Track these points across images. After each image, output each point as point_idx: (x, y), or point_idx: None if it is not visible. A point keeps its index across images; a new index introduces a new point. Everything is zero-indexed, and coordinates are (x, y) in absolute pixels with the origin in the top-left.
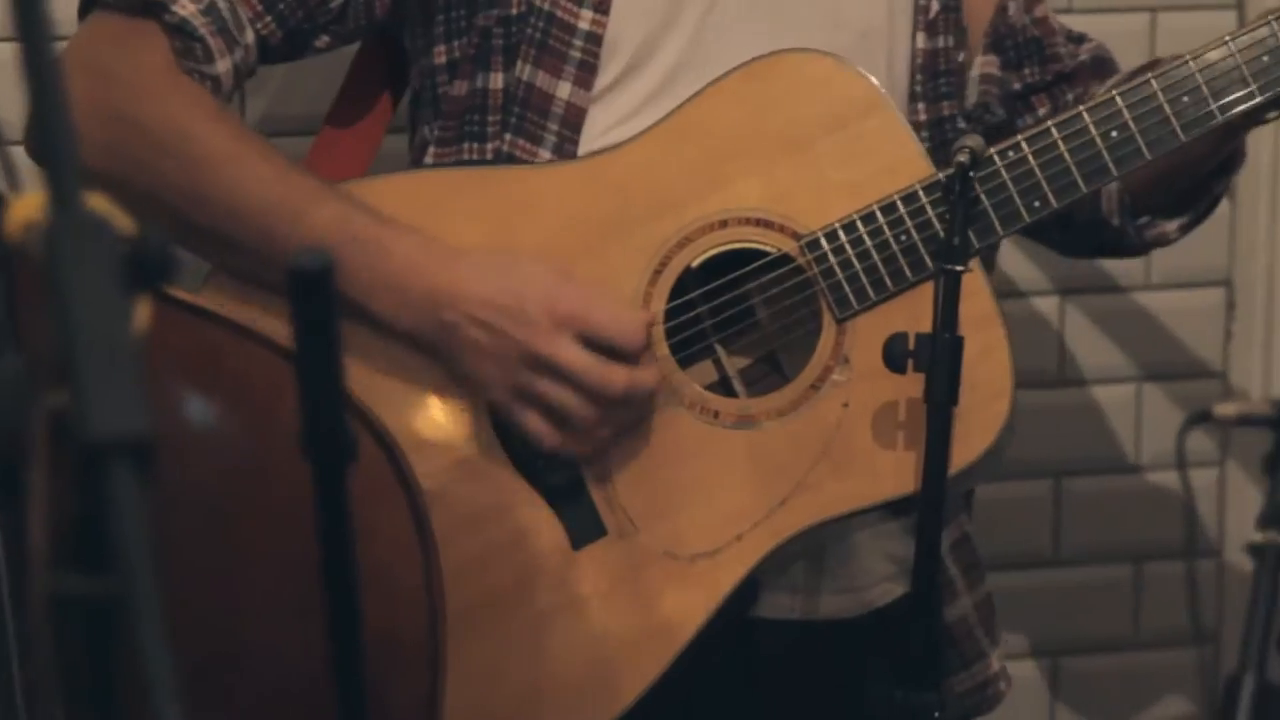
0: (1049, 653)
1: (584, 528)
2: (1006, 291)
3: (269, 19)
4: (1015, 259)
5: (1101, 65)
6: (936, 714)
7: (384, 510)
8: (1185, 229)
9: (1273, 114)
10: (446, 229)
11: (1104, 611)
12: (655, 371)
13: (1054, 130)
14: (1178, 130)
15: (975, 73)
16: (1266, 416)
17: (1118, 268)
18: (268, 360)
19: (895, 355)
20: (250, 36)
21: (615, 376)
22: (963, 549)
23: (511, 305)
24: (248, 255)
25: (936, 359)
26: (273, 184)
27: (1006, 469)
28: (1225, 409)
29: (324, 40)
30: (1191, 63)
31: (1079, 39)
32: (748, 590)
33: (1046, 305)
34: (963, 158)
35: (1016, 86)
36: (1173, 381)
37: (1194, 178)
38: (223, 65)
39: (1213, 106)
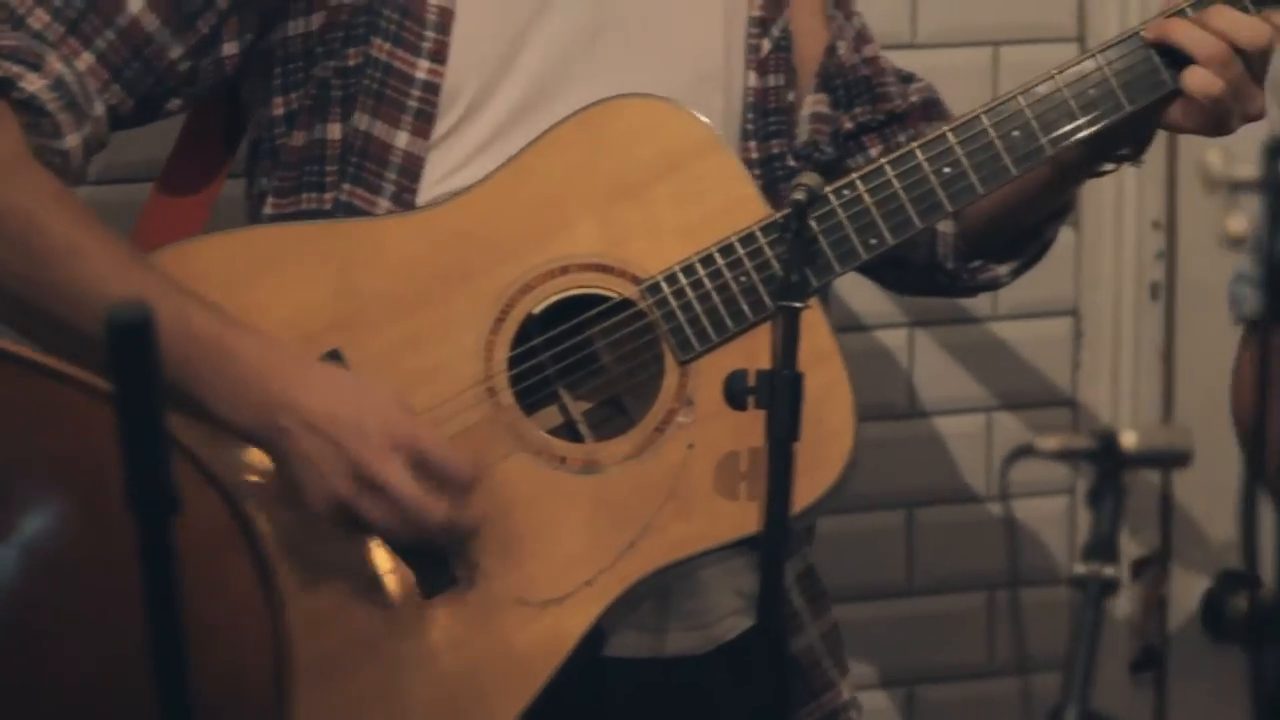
0: (904, 682)
1: (434, 577)
2: (855, 324)
3: (117, 87)
4: (864, 292)
5: (931, 106)
6: None
7: (228, 563)
8: (1016, 273)
9: (1109, 167)
10: (288, 286)
11: (958, 640)
12: (477, 513)
13: (888, 168)
14: (1009, 164)
15: (806, 111)
16: (1087, 450)
17: (966, 299)
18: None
19: (736, 392)
20: (99, 108)
21: (437, 511)
22: (807, 580)
23: (349, 420)
24: (85, 345)
25: (777, 395)
26: (112, 281)
27: (859, 501)
28: (1046, 442)
29: (175, 103)
30: (1020, 97)
31: (909, 79)
32: (598, 632)
33: (896, 337)
34: (799, 196)
35: (848, 125)
36: (1023, 411)
37: (1027, 222)
38: (72, 140)
39: (1043, 140)
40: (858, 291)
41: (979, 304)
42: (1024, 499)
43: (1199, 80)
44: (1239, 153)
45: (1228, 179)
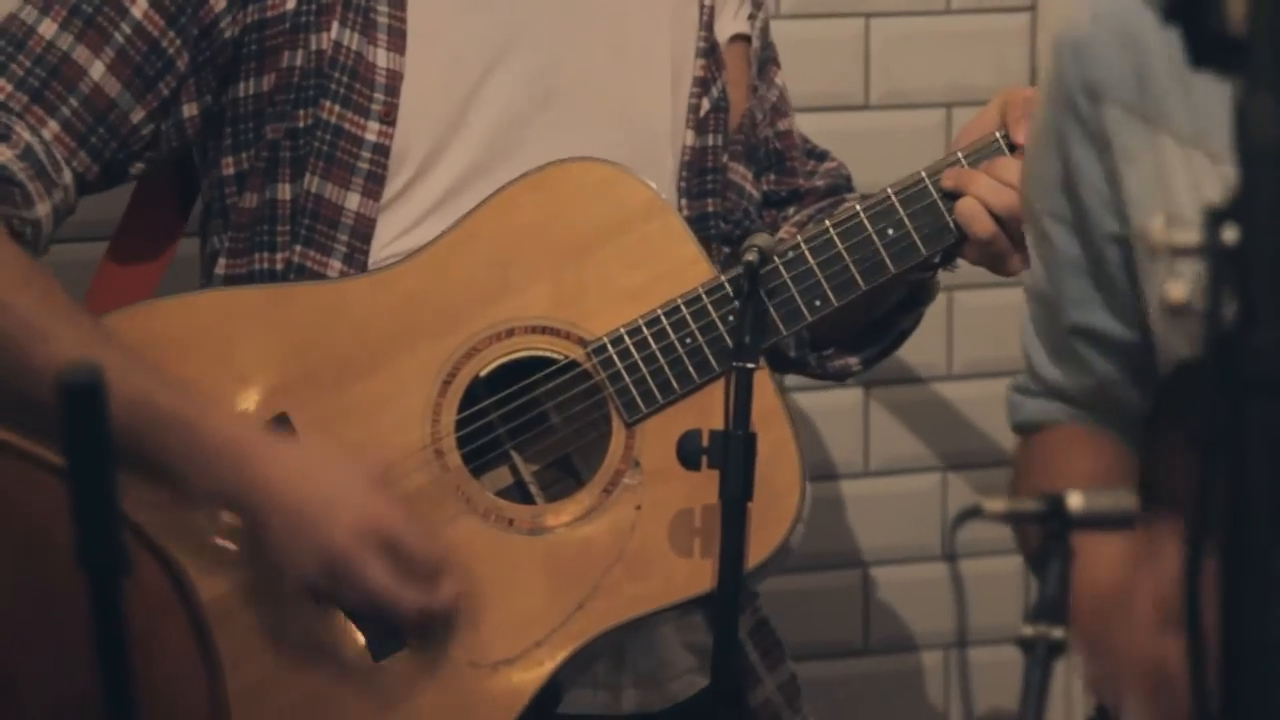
0: None
1: (384, 640)
2: (810, 384)
3: (83, 154)
4: None
5: (834, 190)
6: None
7: (165, 628)
8: (868, 363)
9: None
10: (236, 350)
11: (915, 699)
12: (448, 597)
13: (832, 230)
14: (950, 225)
15: (735, 179)
16: (1034, 512)
17: (919, 359)
18: (45, 482)
19: (689, 453)
20: (68, 176)
21: (408, 601)
22: (761, 633)
23: (320, 507)
24: (51, 423)
25: (730, 455)
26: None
27: (815, 560)
28: (994, 505)
29: (139, 167)
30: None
31: (821, 156)
32: (550, 692)
33: (850, 397)
34: (751, 256)
35: (783, 192)
36: (976, 470)
37: (873, 314)
38: (42, 209)
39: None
40: None
41: (933, 364)
42: (977, 558)
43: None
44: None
45: (1169, 245)
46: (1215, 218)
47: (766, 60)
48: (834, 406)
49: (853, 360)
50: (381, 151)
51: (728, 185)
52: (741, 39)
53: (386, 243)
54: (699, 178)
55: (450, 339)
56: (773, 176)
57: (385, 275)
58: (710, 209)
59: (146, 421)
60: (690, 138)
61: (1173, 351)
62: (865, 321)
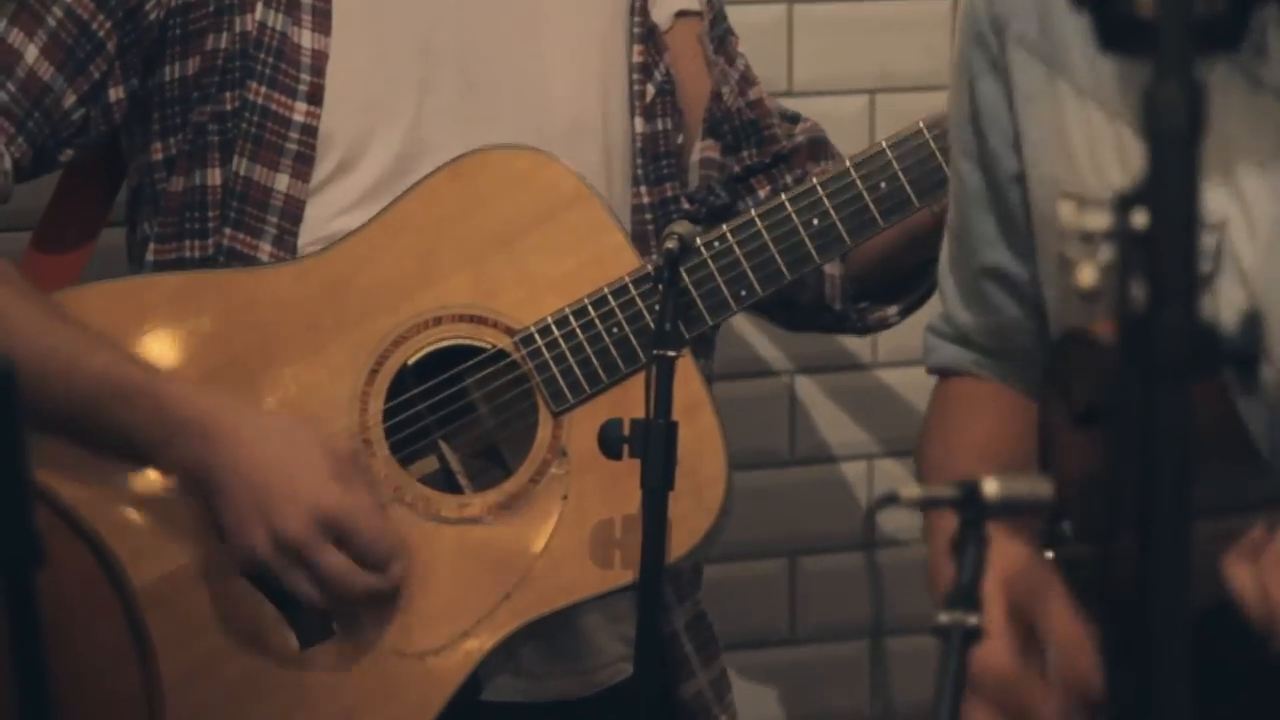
0: None
1: (311, 628)
2: (737, 372)
3: (21, 140)
4: (745, 339)
5: (817, 146)
6: None
7: (96, 616)
8: (905, 312)
9: None
10: (162, 337)
11: (840, 687)
12: (395, 576)
13: (757, 220)
14: (877, 217)
15: (695, 157)
16: (950, 499)
17: (846, 345)
18: None
19: (610, 441)
20: (8, 163)
21: (358, 585)
22: (697, 627)
23: (283, 493)
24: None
25: (651, 444)
26: (35, 337)
27: (742, 548)
28: (910, 491)
29: (68, 153)
30: (889, 150)
31: (794, 119)
32: (477, 679)
33: (777, 385)
34: (670, 245)
35: (736, 169)
36: (904, 458)
37: (911, 264)
38: None
39: (911, 193)
40: (737, 339)
41: (861, 350)
42: (903, 547)
43: None
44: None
45: (1079, 229)
46: (1124, 202)
47: (725, 32)
48: (762, 394)
49: (890, 311)
50: (309, 132)
51: (687, 167)
52: (690, 15)
53: (319, 227)
54: (654, 163)
55: (377, 327)
56: (753, 148)
57: (311, 263)
58: (670, 193)
59: (114, 393)
60: (640, 125)
61: (1061, 309)
62: (900, 273)
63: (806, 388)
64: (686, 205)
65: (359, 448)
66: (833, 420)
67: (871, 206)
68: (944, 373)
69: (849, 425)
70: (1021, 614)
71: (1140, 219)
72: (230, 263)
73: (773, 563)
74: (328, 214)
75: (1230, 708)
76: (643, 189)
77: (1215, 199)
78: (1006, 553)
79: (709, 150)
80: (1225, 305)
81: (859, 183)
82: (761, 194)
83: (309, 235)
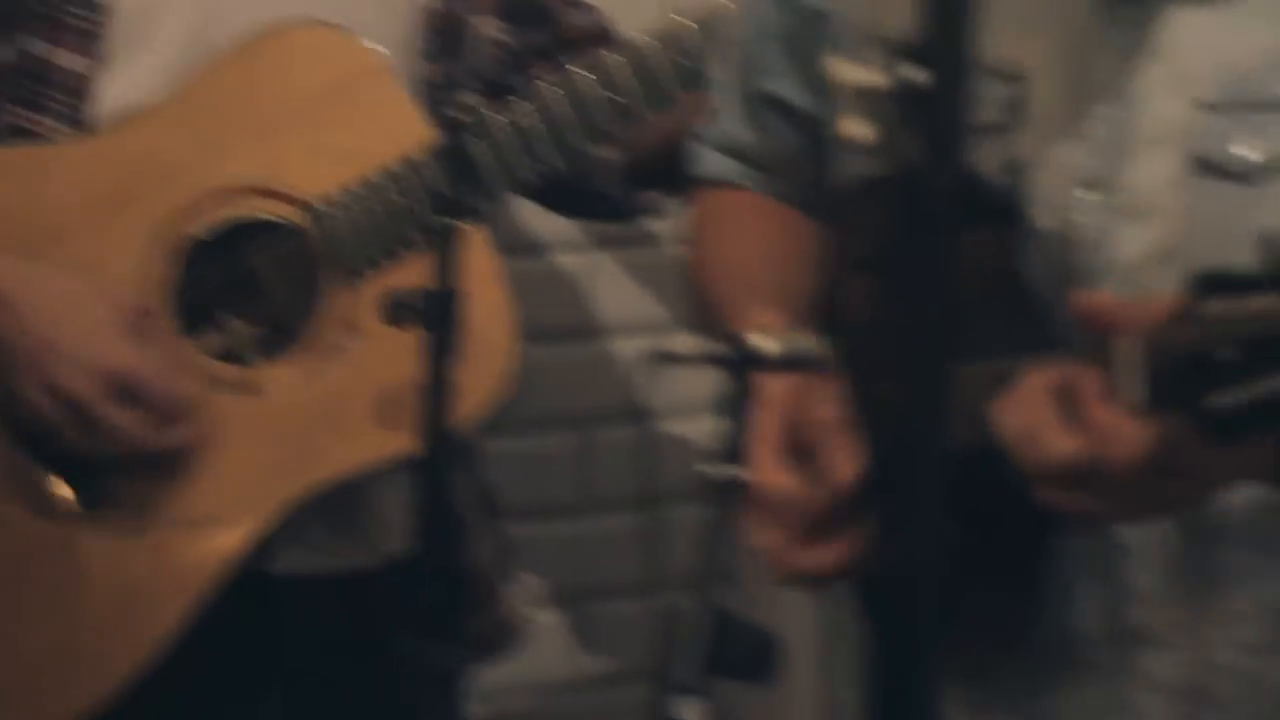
0: (576, 598)
1: (93, 495)
2: (533, 246)
3: None
4: (540, 212)
5: (604, 34)
6: (437, 660)
7: None
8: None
9: None
10: None
11: (631, 558)
12: (185, 435)
13: (553, 92)
14: (674, 92)
15: (484, 36)
16: (726, 356)
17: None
18: None
19: (395, 309)
20: None
21: (145, 442)
22: (478, 494)
23: (68, 345)
24: None
25: (434, 312)
26: None
27: (535, 420)
28: (682, 347)
29: None
30: (660, 38)
31: (578, 5)
32: (262, 549)
33: (573, 259)
34: (455, 114)
35: (519, 50)
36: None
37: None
38: None
39: (676, 89)
40: (535, 212)
41: (658, 225)
42: (698, 418)
43: None
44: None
45: (853, 83)
46: (899, 56)
47: None
48: (558, 268)
49: (666, 199)
50: (92, 8)
51: (473, 44)
52: None
53: (114, 104)
54: (439, 39)
55: (167, 201)
56: (540, 32)
57: (100, 139)
58: (456, 70)
59: None
60: (429, 1)
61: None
62: (679, 162)
63: (603, 262)
64: (467, 82)
65: (150, 306)
66: (629, 295)
67: (668, 82)
68: (710, 183)
69: (643, 299)
70: (793, 428)
71: (914, 73)
72: (15, 140)
73: (566, 435)
74: (124, 90)
75: (991, 547)
76: (430, 65)
77: (1010, 51)
78: (780, 381)
79: (496, 30)
80: (1022, 154)
81: (654, 56)
82: (546, 77)
83: (105, 112)
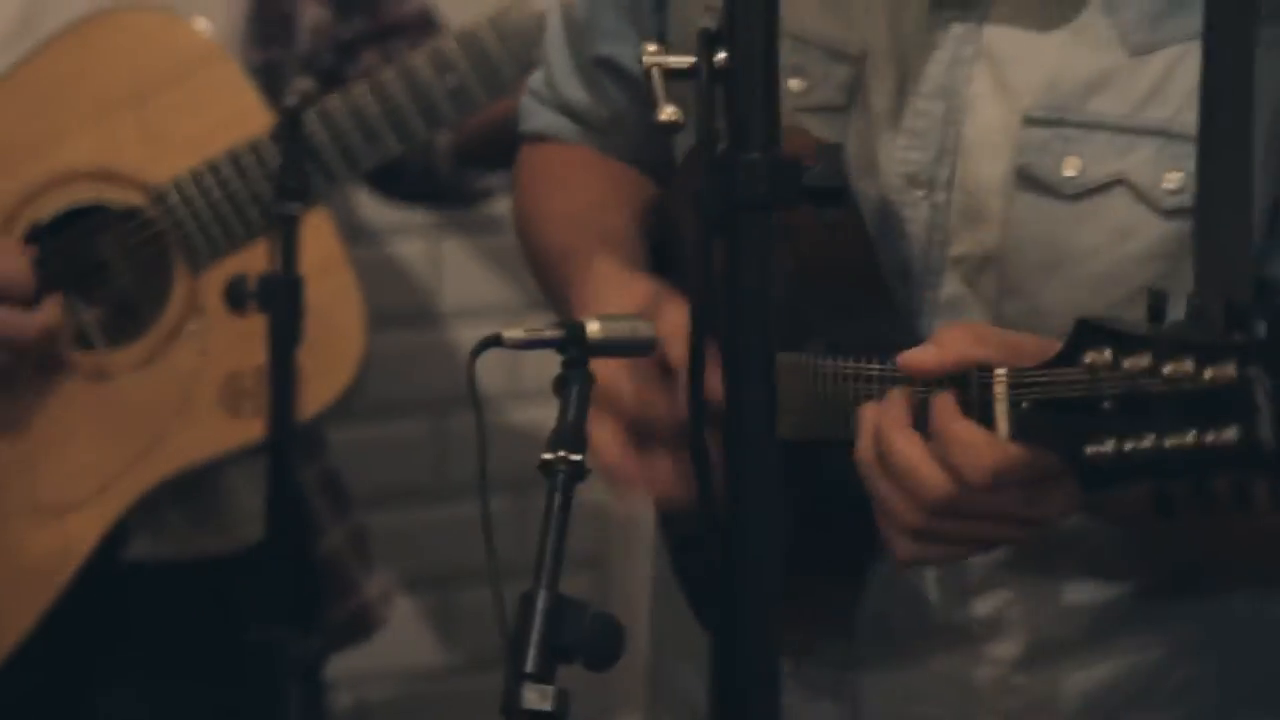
0: (437, 583)
1: None
2: (378, 231)
3: None
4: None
5: (427, 21)
6: (291, 647)
7: None
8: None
9: None
10: None
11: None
12: (49, 318)
13: (393, 75)
14: (508, 79)
15: (306, 23)
16: (554, 339)
17: (489, 206)
18: None
19: (236, 296)
20: None
21: (13, 328)
22: (328, 483)
23: None
24: None
25: (276, 298)
26: None
27: (388, 407)
28: (513, 333)
29: None
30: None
31: None
32: (116, 537)
33: (420, 244)
34: (292, 100)
35: (346, 36)
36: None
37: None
38: None
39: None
40: (381, 201)
41: (498, 208)
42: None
43: None
44: (674, 41)
45: (662, 66)
46: (708, 40)
47: None
48: (406, 253)
49: (495, 182)
50: None
51: (296, 31)
52: None
53: None
54: (264, 26)
55: (6, 184)
56: (365, 18)
57: None
58: (278, 56)
59: None
60: None
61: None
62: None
63: (452, 245)
64: (298, 69)
65: None
66: (479, 277)
67: (503, 67)
68: (539, 138)
69: (497, 282)
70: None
71: (721, 56)
72: None
73: (418, 421)
74: None
75: (824, 538)
76: (253, 50)
77: (854, 32)
78: (635, 290)
79: (319, 16)
80: (853, 137)
81: (494, 44)
82: (369, 61)
83: None
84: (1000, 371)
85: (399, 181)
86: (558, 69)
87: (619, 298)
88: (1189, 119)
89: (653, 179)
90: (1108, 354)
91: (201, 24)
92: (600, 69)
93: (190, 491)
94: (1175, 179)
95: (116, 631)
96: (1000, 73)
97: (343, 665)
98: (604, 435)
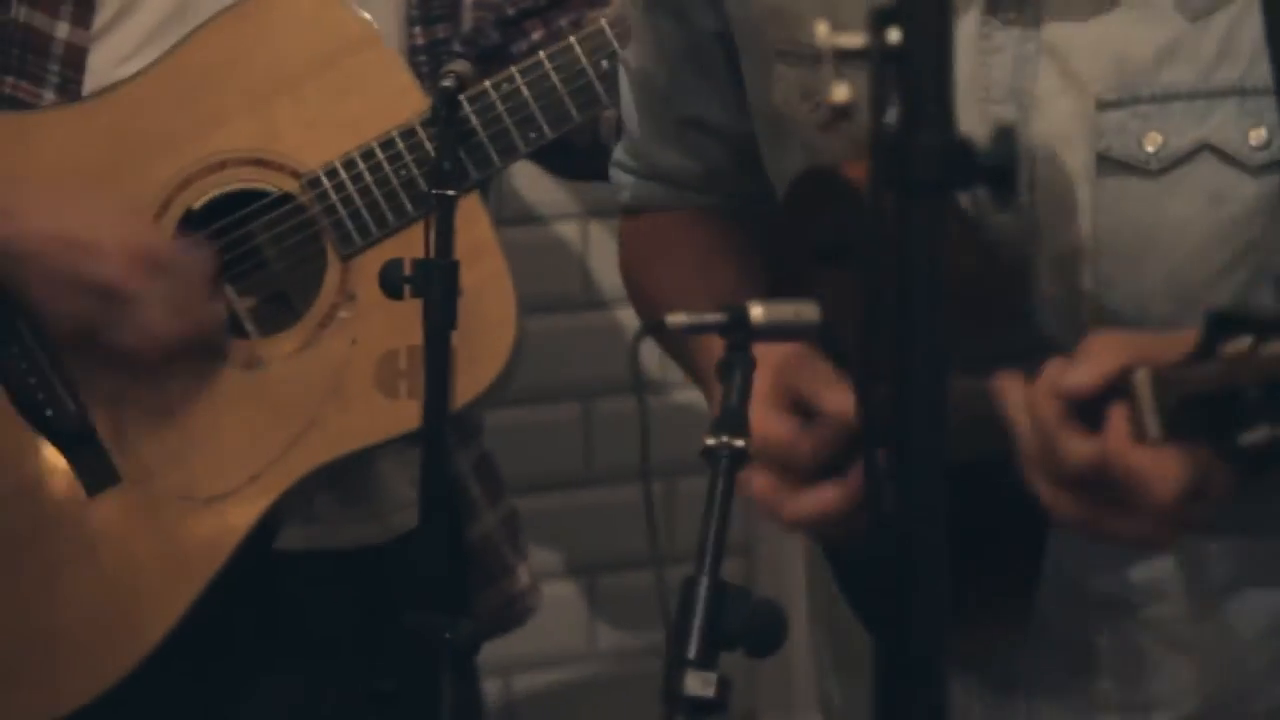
0: (585, 571)
1: (97, 475)
2: (528, 216)
3: None
4: (536, 183)
5: None
6: (447, 634)
7: None
8: None
9: None
10: None
11: (638, 530)
12: (222, 307)
13: (546, 61)
14: None
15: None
16: (717, 324)
17: None
18: None
19: (391, 281)
20: None
21: (181, 318)
22: (483, 468)
23: (88, 242)
24: None
25: (432, 283)
26: None
27: (536, 392)
28: (677, 317)
29: None
30: None
31: None
32: (269, 527)
33: (569, 229)
34: (448, 83)
35: (510, 11)
36: None
37: None
38: None
39: None
40: (532, 183)
41: None
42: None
43: None
44: (845, 21)
45: (833, 47)
46: (879, 19)
47: None
48: (553, 238)
49: None
50: None
51: (460, 8)
52: None
53: (102, 74)
54: (427, 4)
55: (161, 171)
56: None
57: (91, 106)
58: (442, 35)
59: None
60: None
61: (778, 152)
62: None
63: (599, 231)
64: (459, 47)
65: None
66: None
67: None
68: (635, 210)
69: None
70: (791, 392)
71: (895, 36)
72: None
73: (567, 406)
74: (112, 60)
75: (986, 556)
76: (416, 30)
77: None
78: (773, 348)
79: None
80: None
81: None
82: (535, 36)
83: (93, 83)
84: (1142, 372)
85: (569, 158)
86: (641, 136)
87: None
88: (1262, 72)
89: (756, 227)
90: (1246, 343)
91: (360, 11)
92: (689, 128)
93: (341, 479)
94: (1259, 135)
95: (269, 620)
96: (1065, 64)
97: (493, 653)
98: (760, 483)
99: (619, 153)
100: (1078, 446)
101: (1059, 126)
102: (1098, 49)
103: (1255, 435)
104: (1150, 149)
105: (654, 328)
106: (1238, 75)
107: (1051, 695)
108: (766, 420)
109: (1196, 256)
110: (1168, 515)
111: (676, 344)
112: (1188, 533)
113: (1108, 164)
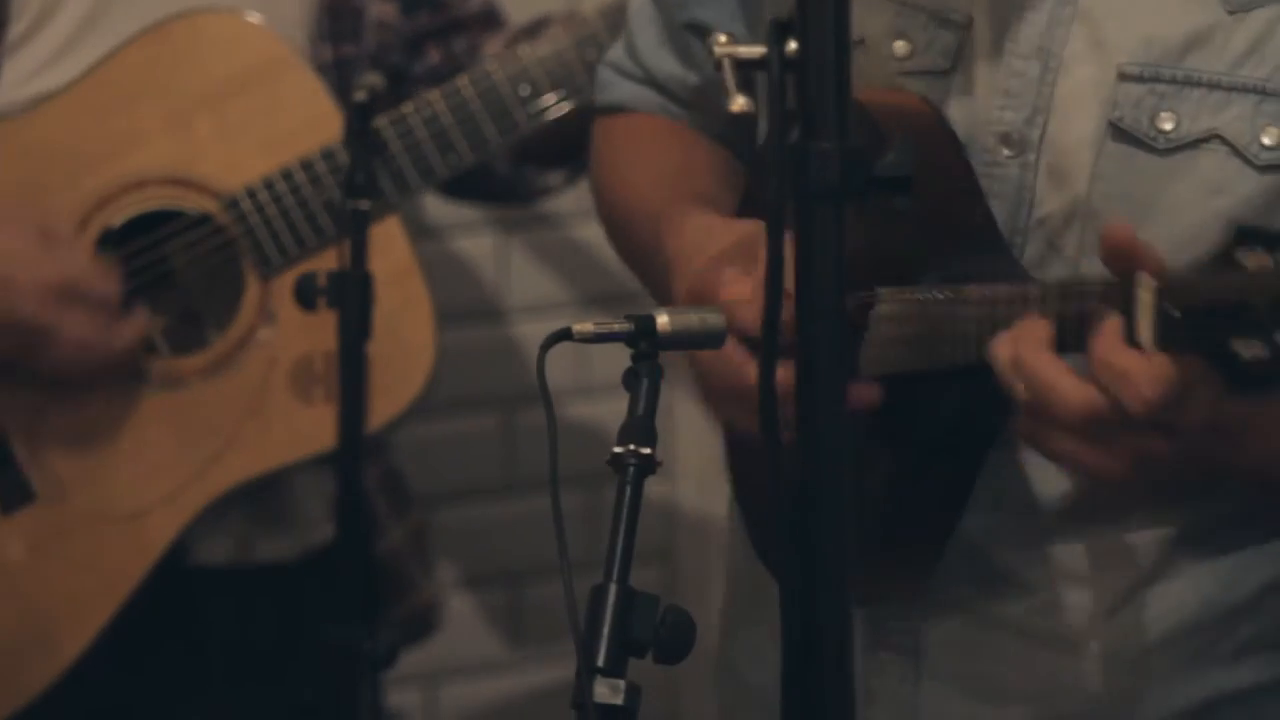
0: (508, 579)
1: (11, 493)
2: (445, 227)
3: None
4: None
5: (491, 17)
6: (365, 644)
7: None
8: (570, 179)
9: None
10: None
11: (554, 539)
12: (139, 328)
13: (468, 85)
14: (583, 87)
15: (372, 19)
16: (623, 333)
17: (554, 202)
18: None
19: (305, 293)
20: None
21: (119, 340)
22: (389, 483)
23: (1, 275)
24: None
25: (346, 295)
26: None
27: (457, 402)
28: (583, 327)
29: None
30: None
31: None
32: (183, 544)
33: (486, 240)
34: (360, 96)
35: (412, 33)
36: (617, 307)
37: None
38: None
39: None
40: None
41: (565, 205)
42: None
43: None
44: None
45: (732, 57)
46: (778, 30)
47: None
48: (469, 251)
49: (553, 179)
50: None
51: (363, 28)
52: None
53: (15, 89)
54: (335, 22)
55: (78, 190)
56: (428, 13)
57: (8, 127)
58: (348, 53)
59: None
60: None
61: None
62: (571, 138)
63: (516, 243)
64: (366, 66)
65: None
66: (542, 274)
67: (572, 82)
68: (620, 109)
69: (558, 278)
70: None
71: (792, 46)
72: None
73: (486, 418)
74: (25, 73)
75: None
76: (324, 47)
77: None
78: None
79: (386, 13)
80: (954, 104)
81: (573, 49)
82: (434, 58)
83: (6, 97)
84: (1146, 279)
85: (457, 180)
86: (643, 40)
87: (723, 235)
88: None
89: (737, 159)
90: (1266, 256)
91: (256, 17)
92: (690, 33)
93: (258, 496)
94: (1273, 135)
95: (189, 635)
96: (1097, 31)
97: (416, 662)
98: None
99: (614, 53)
100: (1073, 392)
101: (1078, 90)
102: (1131, 22)
103: (1256, 349)
104: (1162, 128)
105: (560, 336)
106: (1263, 75)
107: (949, 677)
108: (736, 281)
109: (1184, 241)
110: (1147, 417)
111: (639, 249)
112: (1148, 468)
113: (1117, 134)
